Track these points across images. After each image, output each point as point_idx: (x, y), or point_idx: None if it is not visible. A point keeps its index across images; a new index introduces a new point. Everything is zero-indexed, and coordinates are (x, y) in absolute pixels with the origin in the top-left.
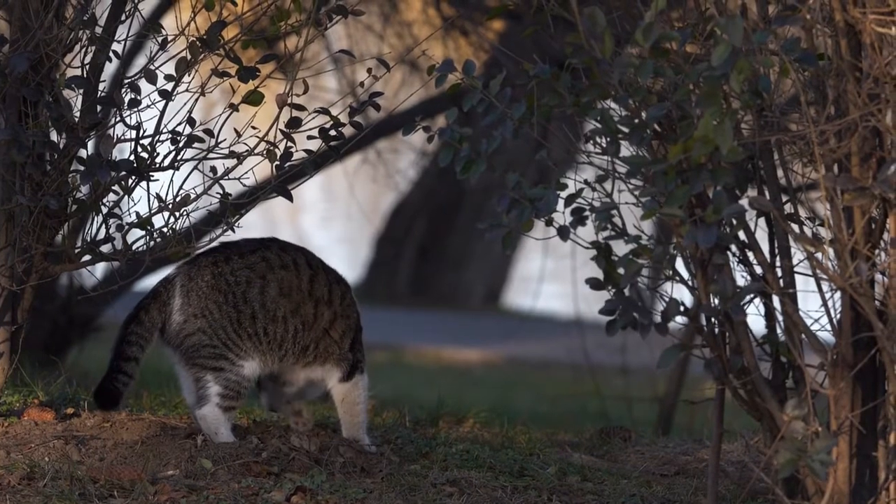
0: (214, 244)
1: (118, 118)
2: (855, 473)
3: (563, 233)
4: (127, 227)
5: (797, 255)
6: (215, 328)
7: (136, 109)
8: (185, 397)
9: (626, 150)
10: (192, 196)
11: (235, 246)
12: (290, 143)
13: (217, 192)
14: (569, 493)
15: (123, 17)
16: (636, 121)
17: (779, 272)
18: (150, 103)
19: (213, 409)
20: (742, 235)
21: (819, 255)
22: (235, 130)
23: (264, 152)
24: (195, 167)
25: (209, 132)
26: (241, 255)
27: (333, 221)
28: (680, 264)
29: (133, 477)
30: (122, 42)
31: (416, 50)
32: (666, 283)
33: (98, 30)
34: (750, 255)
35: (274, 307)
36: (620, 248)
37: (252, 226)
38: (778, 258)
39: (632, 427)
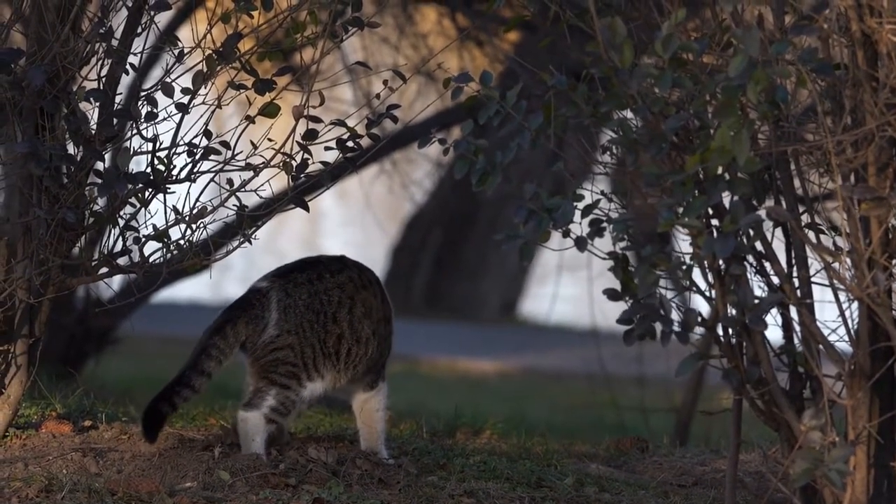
0: (297, 259)
1: (135, 131)
2: (872, 484)
3: (581, 243)
4: (144, 239)
5: (814, 265)
6: (303, 346)
7: (152, 122)
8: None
9: None
10: (209, 208)
11: (321, 263)
12: (306, 155)
13: (233, 204)
14: None
15: (140, 30)
16: (654, 132)
17: (796, 282)
18: (166, 116)
19: (258, 417)
20: (759, 246)
21: (836, 265)
22: (252, 142)
23: (281, 164)
24: (212, 179)
25: (225, 144)
26: (331, 274)
27: (349, 231)
28: (697, 274)
29: (151, 489)
30: (139, 55)
31: (431, 61)
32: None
33: (114, 42)
34: (767, 265)
35: (359, 328)
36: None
37: (266, 238)
38: (795, 268)
39: (649, 438)
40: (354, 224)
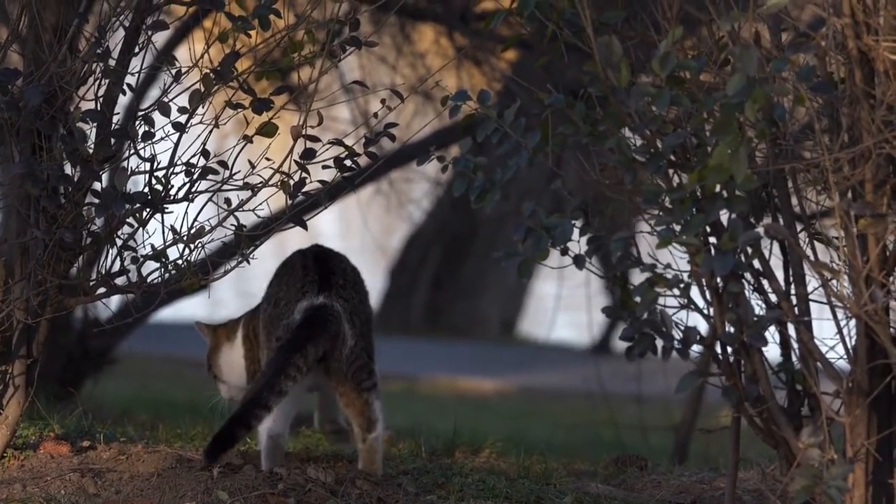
0: (307, 257)
1: (132, 151)
2: (871, 501)
3: (579, 262)
4: (142, 259)
5: (812, 282)
6: (367, 348)
7: (150, 142)
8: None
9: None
10: (207, 228)
11: (331, 256)
12: (304, 174)
13: (232, 224)
14: None
15: (137, 50)
16: (652, 150)
17: (794, 300)
18: (164, 135)
19: (381, 432)
20: (757, 263)
21: (834, 282)
22: (249, 162)
23: (279, 184)
24: (210, 199)
25: (223, 164)
26: (344, 271)
27: (347, 250)
28: (695, 292)
29: None
30: (136, 74)
31: (429, 80)
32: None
33: (112, 62)
34: (765, 282)
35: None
36: (635, 276)
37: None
38: (793, 286)
39: (648, 456)
40: (353, 243)
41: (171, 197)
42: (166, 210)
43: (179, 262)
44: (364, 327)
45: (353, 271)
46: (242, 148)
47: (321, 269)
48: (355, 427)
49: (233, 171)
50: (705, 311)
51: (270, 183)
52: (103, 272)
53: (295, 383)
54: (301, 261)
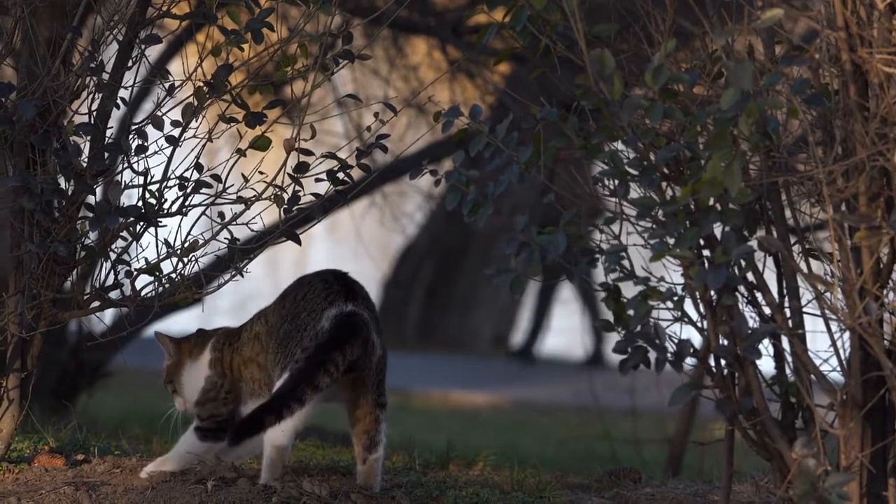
0: (324, 276)
1: (126, 164)
2: None
3: (573, 275)
4: (135, 273)
5: (806, 295)
6: (386, 363)
7: (143, 156)
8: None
9: (633, 191)
10: (201, 241)
11: (344, 275)
12: (297, 188)
13: (225, 238)
14: None
15: (130, 64)
16: (645, 163)
17: (787, 312)
18: (157, 149)
19: (382, 454)
20: (751, 276)
21: (828, 294)
22: (243, 175)
23: (272, 197)
24: (203, 213)
25: (217, 177)
26: (363, 288)
27: (340, 264)
28: (689, 305)
29: None
30: (129, 88)
31: (422, 94)
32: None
33: (105, 76)
34: (758, 295)
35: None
36: (629, 289)
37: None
38: (786, 299)
39: (641, 469)
40: (345, 257)
41: (165, 210)
42: (160, 224)
43: (173, 275)
44: (384, 342)
45: (368, 294)
46: (236, 161)
47: (343, 282)
48: (357, 445)
49: (226, 185)
50: (699, 324)
51: (264, 196)
52: (97, 286)
53: (331, 381)
54: (320, 277)
